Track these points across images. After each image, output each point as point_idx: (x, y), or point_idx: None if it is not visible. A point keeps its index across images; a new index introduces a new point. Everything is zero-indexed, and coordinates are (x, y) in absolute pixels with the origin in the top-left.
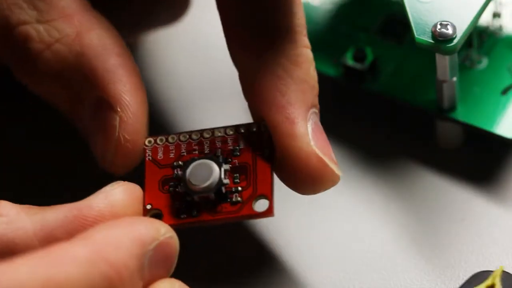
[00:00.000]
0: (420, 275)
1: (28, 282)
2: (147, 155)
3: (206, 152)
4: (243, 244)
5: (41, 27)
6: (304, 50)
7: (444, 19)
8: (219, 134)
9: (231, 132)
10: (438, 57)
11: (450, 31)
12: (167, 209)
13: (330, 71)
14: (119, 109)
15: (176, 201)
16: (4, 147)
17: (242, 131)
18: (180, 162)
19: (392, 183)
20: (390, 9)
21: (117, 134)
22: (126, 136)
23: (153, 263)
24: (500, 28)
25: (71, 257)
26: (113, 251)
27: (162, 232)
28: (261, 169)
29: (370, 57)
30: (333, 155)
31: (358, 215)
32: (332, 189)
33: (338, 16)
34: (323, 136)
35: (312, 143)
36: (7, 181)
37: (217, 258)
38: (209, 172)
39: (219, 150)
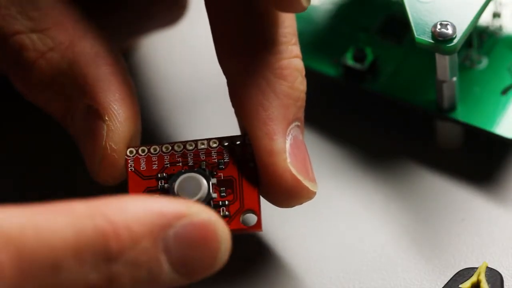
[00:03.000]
0: (420, 275)
1: (4, 222)
2: (129, 165)
3: (190, 164)
4: (242, 242)
5: (35, 36)
6: (290, 61)
7: (444, 19)
8: (203, 146)
9: (214, 145)
10: (438, 57)
11: (450, 31)
12: None
13: (330, 71)
14: (106, 118)
15: None
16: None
17: (226, 144)
18: (164, 174)
19: (392, 183)
20: (390, 9)
21: (104, 143)
22: (113, 146)
23: (184, 244)
24: (500, 28)
25: (66, 208)
26: (117, 211)
27: (193, 210)
28: (247, 183)
29: (370, 57)
30: (310, 171)
31: (358, 215)
32: (332, 189)
33: (338, 16)
34: (301, 152)
35: (288, 160)
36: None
37: None
38: (198, 186)
39: (204, 163)
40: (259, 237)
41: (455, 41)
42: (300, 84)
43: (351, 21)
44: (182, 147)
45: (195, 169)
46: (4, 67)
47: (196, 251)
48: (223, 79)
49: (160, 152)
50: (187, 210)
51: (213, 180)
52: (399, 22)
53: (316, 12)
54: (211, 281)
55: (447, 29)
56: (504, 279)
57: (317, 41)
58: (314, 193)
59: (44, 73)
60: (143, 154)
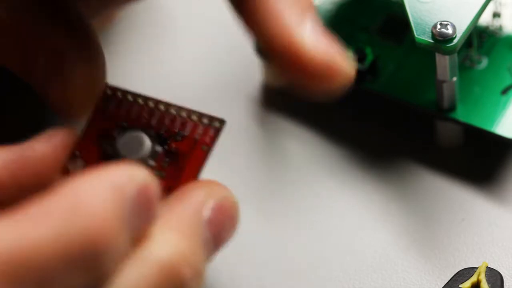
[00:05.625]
0: (420, 275)
1: None
2: (100, 101)
3: (153, 124)
4: (241, 240)
5: None
6: None
7: (444, 19)
8: (173, 112)
9: (184, 115)
10: (438, 57)
11: (450, 31)
12: (92, 163)
13: None
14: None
15: (102, 159)
16: None
17: (205, 121)
18: (124, 123)
19: (392, 183)
20: (390, 9)
21: (78, 71)
22: (89, 73)
23: (136, 212)
24: (500, 28)
25: (43, 213)
26: (89, 201)
27: (139, 176)
28: (191, 165)
29: (370, 57)
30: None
31: (358, 215)
32: (332, 189)
33: (338, 16)
34: (324, 34)
35: (312, 41)
36: None
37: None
38: (139, 147)
39: (164, 127)
40: (259, 236)
41: (455, 41)
42: None
43: (351, 21)
44: (154, 104)
45: (148, 131)
46: None
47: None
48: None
49: (133, 101)
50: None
51: (159, 149)
52: (399, 22)
53: (316, 12)
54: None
55: (447, 29)
56: (504, 279)
57: None
58: (347, 72)
59: None
60: (119, 96)
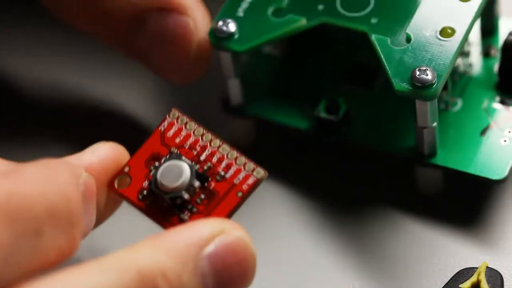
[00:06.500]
0: (420, 275)
1: None
2: (162, 125)
3: (201, 159)
4: None
5: None
6: None
7: (422, 64)
8: (223, 151)
9: (232, 156)
10: (418, 103)
11: (429, 76)
12: (138, 183)
13: (303, 124)
14: (189, 14)
15: (147, 180)
16: None
17: (244, 166)
18: (176, 151)
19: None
20: (356, 57)
21: (190, 37)
22: (202, 38)
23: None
24: (470, 67)
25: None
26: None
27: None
28: (222, 208)
29: (343, 107)
30: None
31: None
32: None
33: (307, 68)
34: None
35: None
36: None
37: None
38: (177, 177)
39: (209, 164)
40: None
41: (435, 86)
42: None
43: (318, 73)
44: (208, 138)
45: (191, 164)
46: None
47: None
48: None
49: (191, 131)
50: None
51: (197, 183)
52: (368, 68)
53: (284, 65)
54: None
55: (427, 75)
56: (504, 279)
57: (288, 95)
58: None
59: None
60: (180, 123)
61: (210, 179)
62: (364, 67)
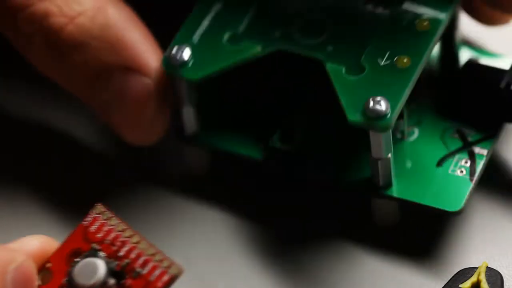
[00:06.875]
0: (420, 275)
1: None
2: (86, 220)
3: (120, 255)
4: None
5: (60, 2)
6: None
7: (376, 95)
8: (142, 247)
9: (150, 252)
10: (372, 134)
11: (383, 107)
12: (58, 279)
13: (258, 154)
14: (153, 77)
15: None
16: None
17: (161, 262)
18: (97, 247)
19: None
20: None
21: (150, 100)
22: (159, 102)
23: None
24: (428, 95)
25: None
26: None
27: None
28: None
29: (298, 137)
30: None
31: None
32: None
33: (262, 96)
34: None
35: None
36: None
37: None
38: (91, 276)
39: (127, 261)
40: None
41: (389, 117)
42: None
43: (275, 101)
44: (128, 235)
45: (110, 261)
46: (24, 36)
47: None
48: None
49: (113, 227)
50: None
51: (113, 281)
52: (323, 97)
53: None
54: None
55: (381, 105)
56: (504, 279)
57: (243, 124)
58: None
59: (73, 38)
60: (104, 218)
61: (127, 276)
62: (320, 96)
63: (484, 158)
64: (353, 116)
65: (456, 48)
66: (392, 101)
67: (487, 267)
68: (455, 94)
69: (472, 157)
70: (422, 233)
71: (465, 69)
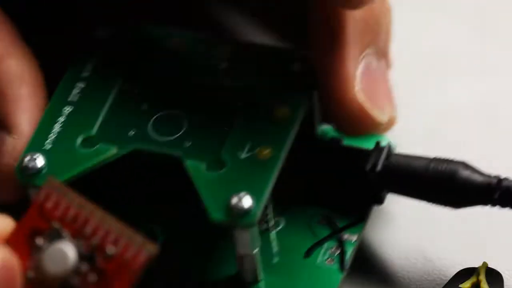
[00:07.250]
0: (420, 275)
1: None
2: (39, 195)
3: (85, 233)
4: None
5: None
6: None
7: (239, 191)
8: (106, 226)
9: (117, 230)
10: (237, 232)
11: (247, 203)
12: (23, 261)
13: None
14: (15, 136)
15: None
16: None
17: (132, 240)
18: (57, 225)
19: None
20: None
21: (6, 159)
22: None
23: None
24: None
25: None
26: None
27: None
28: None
29: (161, 238)
30: (382, 100)
31: None
32: None
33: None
34: (373, 79)
35: (356, 88)
36: None
37: None
38: (63, 263)
39: (96, 239)
40: None
41: (254, 213)
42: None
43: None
44: (89, 210)
45: (76, 244)
46: None
47: None
48: None
49: (71, 202)
50: None
51: (85, 267)
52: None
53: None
54: None
55: (245, 201)
56: (504, 279)
57: None
58: (380, 124)
59: None
60: (59, 192)
61: (97, 257)
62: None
63: (355, 244)
64: (216, 215)
65: (317, 130)
66: (256, 196)
67: (487, 267)
68: (320, 179)
69: (341, 244)
70: (422, 233)
71: (328, 152)
